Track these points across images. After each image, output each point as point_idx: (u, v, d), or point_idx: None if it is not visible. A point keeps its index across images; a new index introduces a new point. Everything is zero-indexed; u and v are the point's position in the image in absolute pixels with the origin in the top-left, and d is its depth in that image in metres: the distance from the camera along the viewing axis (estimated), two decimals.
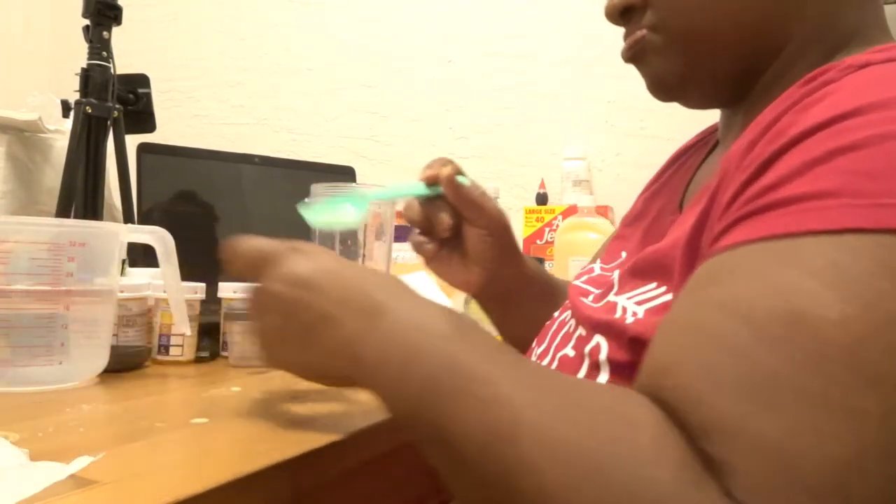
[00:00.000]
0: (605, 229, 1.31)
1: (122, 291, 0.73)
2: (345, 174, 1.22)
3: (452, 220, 0.68)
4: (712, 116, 0.60)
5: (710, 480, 0.30)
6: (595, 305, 0.52)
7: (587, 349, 0.48)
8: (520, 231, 1.40)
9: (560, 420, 0.32)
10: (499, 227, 0.70)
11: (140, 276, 0.81)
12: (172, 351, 0.76)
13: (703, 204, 0.41)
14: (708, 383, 0.31)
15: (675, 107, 0.57)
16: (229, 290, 0.83)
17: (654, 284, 0.46)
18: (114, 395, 0.61)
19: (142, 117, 1.14)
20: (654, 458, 0.30)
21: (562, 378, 0.38)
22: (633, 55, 0.54)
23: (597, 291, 0.55)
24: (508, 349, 0.39)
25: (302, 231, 0.77)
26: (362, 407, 0.55)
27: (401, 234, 0.84)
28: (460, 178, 0.68)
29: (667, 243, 0.46)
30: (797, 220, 0.33)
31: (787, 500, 0.28)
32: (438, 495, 0.71)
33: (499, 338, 0.66)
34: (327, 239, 0.75)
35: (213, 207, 1.07)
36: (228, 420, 0.52)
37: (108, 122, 1.06)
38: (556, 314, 0.61)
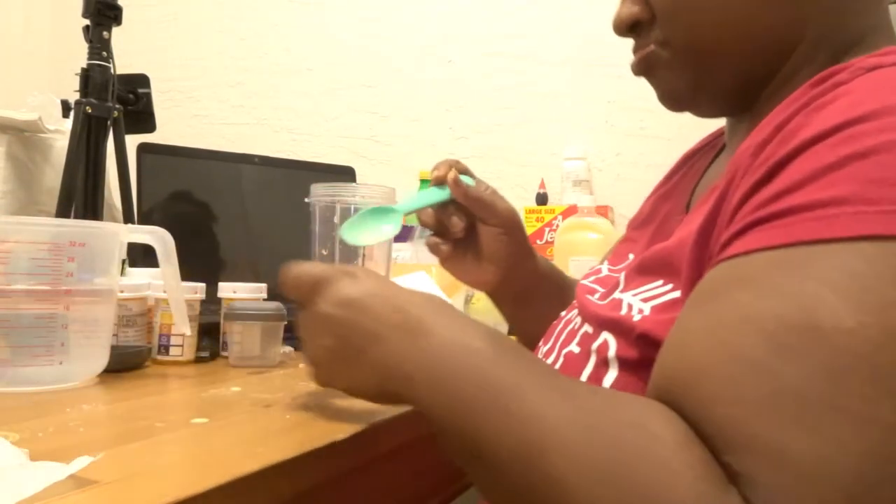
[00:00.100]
0: (605, 229, 1.31)
1: (122, 291, 0.73)
2: (345, 174, 1.22)
3: (464, 222, 0.70)
4: (714, 118, 0.60)
5: (730, 493, 0.30)
6: (601, 303, 0.52)
7: (594, 346, 0.48)
8: None
9: (587, 434, 0.34)
10: (512, 226, 0.72)
11: (140, 276, 0.81)
12: (172, 351, 0.76)
13: (711, 203, 0.41)
14: (729, 398, 0.32)
15: None
16: (229, 290, 0.83)
17: (660, 282, 0.46)
18: (114, 395, 0.61)
19: (142, 117, 1.14)
20: (676, 471, 0.31)
21: (590, 391, 0.39)
22: (643, 69, 0.55)
23: (603, 290, 0.55)
24: (542, 364, 0.41)
25: (302, 231, 0.77)
26: (362, 407, 0.55)
27: (401, 235, 0.84)
28: (465, 178, 0.69)
29: (673, 242, 0.46)
30: (812, 228, 0.33)
31: None
32: (438, 495, 0.71)
33: (513, 337, 0.66)
34: (327, 240, 0.76)
35: (213, 207, 1.07)
36: (228, 420, 0.52)
37: (108, 122, 1.06)
38: (563, 313, 0.61)
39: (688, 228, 0.44)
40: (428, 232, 0.75)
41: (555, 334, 0.58)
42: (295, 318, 0.52)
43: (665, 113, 0.57)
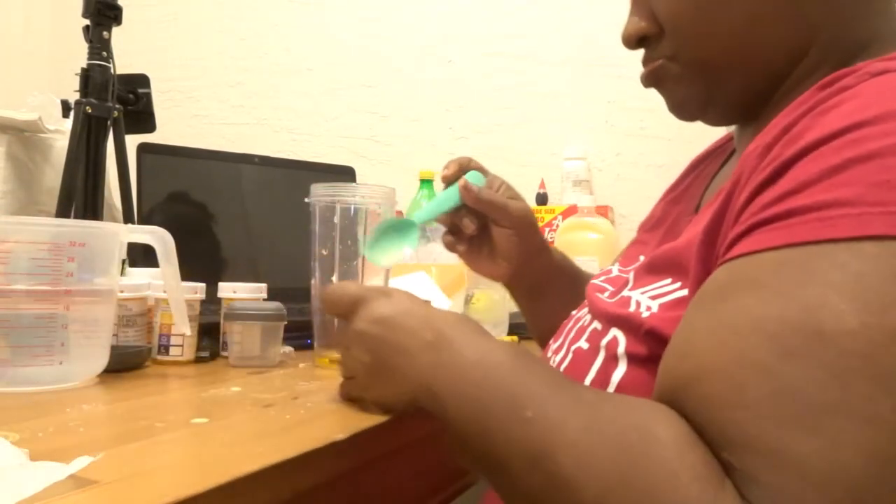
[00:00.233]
0: (604, 229, 1.31)
1: (122, 291, 0.73)
2: (345, 174, 1.22)
3: (476, 223, 0.73)
4: (724, 126, 0.60)
5: (728, 490, 0.31)
6: (610, 301, 0.53)
7: (603, 342, 0.49)
8: None
9: (593, 437, 0.35)
10: (524, 226, 0.74)
11: (140, 276, 0.81)
12: (172, 351, 0.76)
13: (718, 204, 0.41)
14: (732, 399, 0.32)
15: None
16: (229, 290, 0.83)
17: (668, 280, 0.47)
18: (114, 395, 0.61)
19: (142, 117, 1.15)
20: (676, 471, 0.32)
21: (599, 397, 0.40)
22: (653, 82, 0.55)
23: (612, 289, 0.56)
24: (556, 373, 0.43)
25: (302, 231, 0.77)
26: (362, 407, 0.55)
27: None
28: (477, 178, 0.71)
29: (682, 242, 0.47)
30: (816, 229, 0.33)
31: None
32: (438, 495, 0.71)
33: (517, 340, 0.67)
34: (327, 240, 0.76)
35: (213, 207, 1.07)
36: (228, 420, 0.52)
37: (108, 122, 1.06)
38: (574, 312, 0.62)
39: (696, 228, 0.45)
40: (434, 232, 0.77)
41: (565, 332, 0.59)
42: (334, 336, 0.55)
43: (665, 113, 0.57)
